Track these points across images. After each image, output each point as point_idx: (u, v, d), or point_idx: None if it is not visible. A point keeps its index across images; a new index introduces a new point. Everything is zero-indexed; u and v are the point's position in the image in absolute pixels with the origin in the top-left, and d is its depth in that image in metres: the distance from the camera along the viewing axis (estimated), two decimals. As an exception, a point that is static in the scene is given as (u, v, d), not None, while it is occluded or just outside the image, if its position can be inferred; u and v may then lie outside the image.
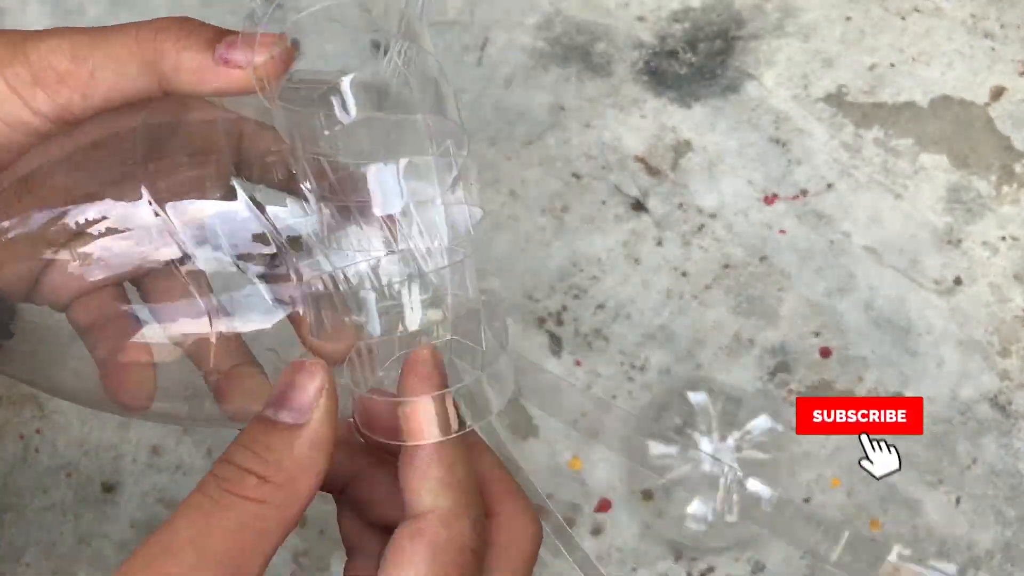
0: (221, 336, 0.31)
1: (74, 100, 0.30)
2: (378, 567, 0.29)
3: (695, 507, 0.60)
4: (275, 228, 0.29)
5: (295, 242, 0.30)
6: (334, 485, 0.32)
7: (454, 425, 0.28)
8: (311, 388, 0.27)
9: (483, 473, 0.30)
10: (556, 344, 0.66)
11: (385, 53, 0.31)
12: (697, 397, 0.63)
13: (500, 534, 0.29)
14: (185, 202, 0.29)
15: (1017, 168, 0.68)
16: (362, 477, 0.33)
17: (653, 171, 0.68)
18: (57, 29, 0.31)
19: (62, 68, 0.30)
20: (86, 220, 0.30)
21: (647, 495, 0.62)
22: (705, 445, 0.61)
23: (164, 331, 0.31)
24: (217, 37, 0.31)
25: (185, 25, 0.31)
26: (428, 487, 0.28)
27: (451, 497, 0.28)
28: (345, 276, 0.29)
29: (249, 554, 0.27)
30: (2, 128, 0.30)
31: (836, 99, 0.69)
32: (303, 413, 0.27)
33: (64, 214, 0.30)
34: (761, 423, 0.64)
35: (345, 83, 0.29)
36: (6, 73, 0.30)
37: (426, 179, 0.29)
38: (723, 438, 0.63)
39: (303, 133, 0.30)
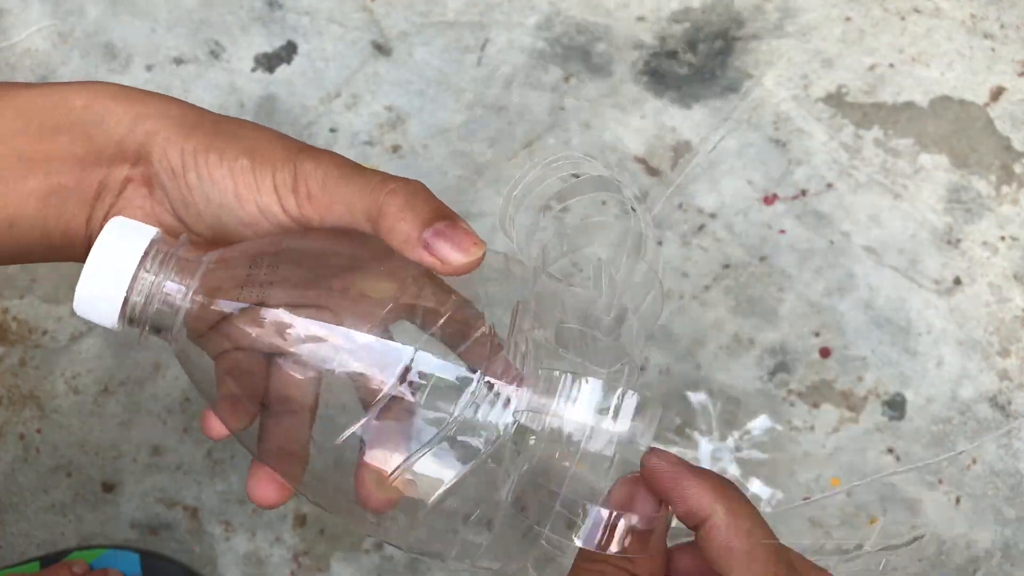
0: None
1: (313, 218, 0.36)
2: None
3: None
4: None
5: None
6: None
7: None
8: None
9: None
10: (556, 344, 0.66)
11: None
12: (697, 397, 0.63)
13: None
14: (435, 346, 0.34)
15: (1017, 168, 0.68)
16: None
17: (653, 171, 0.68)
18: (323, 153, 0.36)
19: (314, 190, 0.36)
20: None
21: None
22: (705, 445, 0.61)
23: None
24: (432, 218, 0.35)
25: (412, 195, 0.35)
26: (734, 556, 0.32)
27: (757, 567, 0.31)
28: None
29: None
30: (256, 214, 0.36)
31: (836, 99, 0.69)
32: (650, 523, 0.33)
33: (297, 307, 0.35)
34: (761, 423, 0.64)
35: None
36: (276, 175, 0.36)
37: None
38: (723, 438, 0.63)
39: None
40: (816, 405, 0.64)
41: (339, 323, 0.34)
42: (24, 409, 0.66)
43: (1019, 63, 0.70)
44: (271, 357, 0.35)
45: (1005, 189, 0.67)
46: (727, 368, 0.65)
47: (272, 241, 0.36)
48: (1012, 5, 0.70)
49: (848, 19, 0.71)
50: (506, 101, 0.70)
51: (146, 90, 0.39)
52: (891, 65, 0.70)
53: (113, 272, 0.33)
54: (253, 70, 0.70)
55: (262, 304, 0.34)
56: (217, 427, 0.37)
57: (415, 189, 0.35)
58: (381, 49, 0.71)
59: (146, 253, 0.34)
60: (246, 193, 0.36)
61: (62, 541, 0.64)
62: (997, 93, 0.69)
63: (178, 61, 0.71)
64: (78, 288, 0.34)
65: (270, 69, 0.70)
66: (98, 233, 0.36)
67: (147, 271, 0.34)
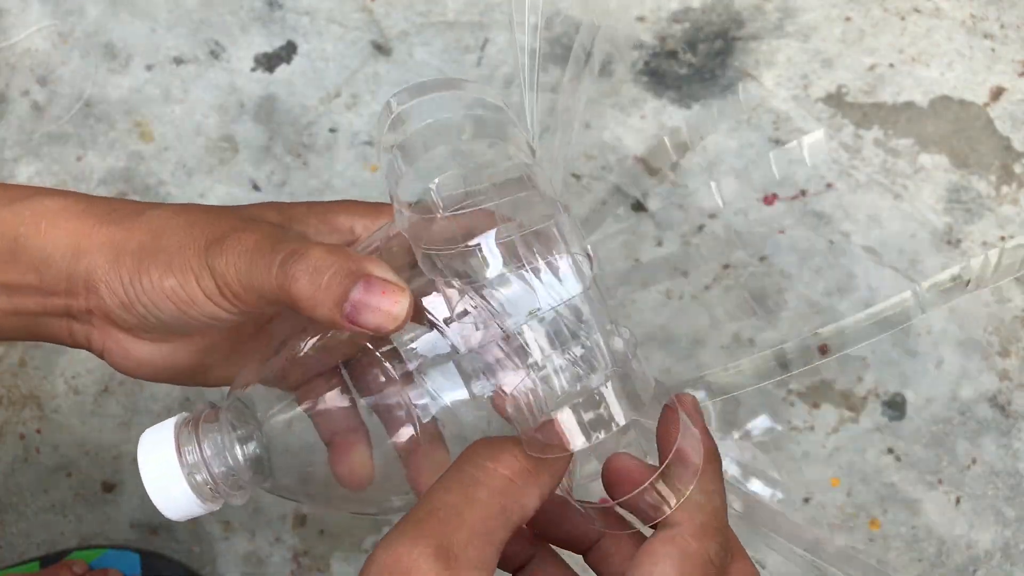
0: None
1: (251, 312, 0.37)
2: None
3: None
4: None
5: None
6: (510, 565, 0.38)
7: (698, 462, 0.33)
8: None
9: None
10: (556, 344, 0.66)
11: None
12: (697, 397, 0.63)
13: None
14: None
15: (1016, 168, 0.68)
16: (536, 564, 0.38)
17: (653, 171, 0.69)
18: (231, 237, 0.36)
19: (235, 289, 0.36)
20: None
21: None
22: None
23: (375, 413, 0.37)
24: (343, 292, 0.33)
25: (314, 273, 0.34)
26: (685, 504, 0.32)
27: (704, 518, 0.31)
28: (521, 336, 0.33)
29: (498, 519, 0.31)
30: (214, 322, 0.37)
31: (836, 99, 0.69)
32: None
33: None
34: (761, 423, 0.64)
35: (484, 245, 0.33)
36: (201, 284, 0.36)
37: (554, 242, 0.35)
38: (723, 438, 0.63)
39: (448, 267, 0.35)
40: (816, 405, 0.64)
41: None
42: (24, 409, 0.66)
43: (1019, 63, 0.70)
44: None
45: (1005, 189, 0.67)
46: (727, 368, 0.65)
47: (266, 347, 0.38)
48: (1012, 5, 0.70)
49: (848, 19, 0.71)
50: (506, 101, 0.70)
51: (82, 197, 0.40)
52: (891, 65, 0.70)
53: (166, 478, 0.36)
54: (253, 70, 0.70)
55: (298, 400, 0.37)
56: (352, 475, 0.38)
57: (318, 263, 0.34)
58: (381, 49, 0.71)
59: (178, 442, 0.36)
60: (187, 307, 0.36)
61: (62, 541, 0.64)
62: (997, 93, 0.69)
63: (178, 61, 0.71)
64: (161, 510, 0.36)
65: (270, 69, 0.70)
66: (90, 347, 0.39)
67: (189, 455, 0.36)
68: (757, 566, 0.34)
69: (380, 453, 0.37)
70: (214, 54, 0.71)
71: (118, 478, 0.65)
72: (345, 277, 0.33)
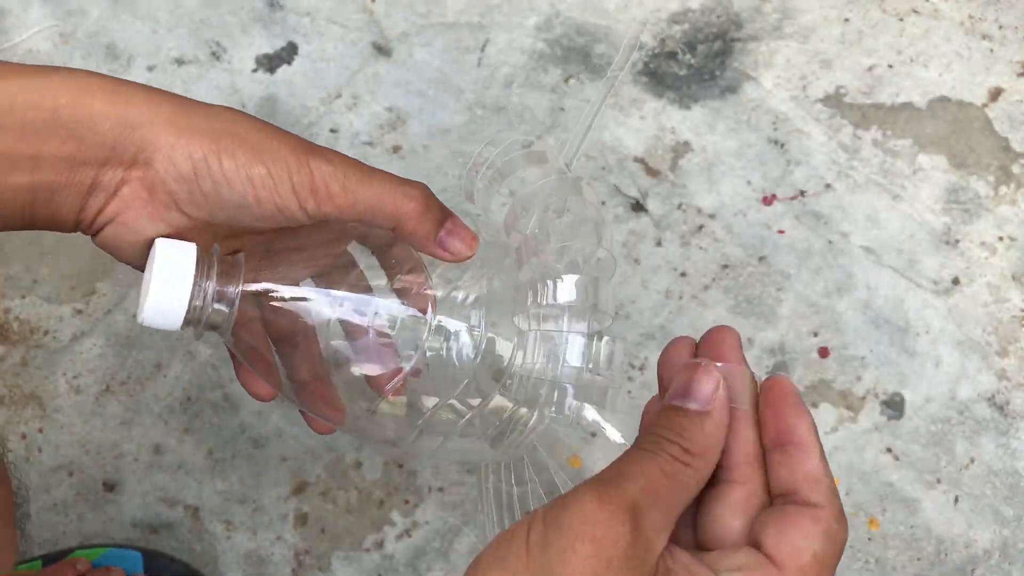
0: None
1: (332, 215, 0.40)
2: (761, 534, 0.35)
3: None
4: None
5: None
6: None
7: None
8: (710, 383, 0.36)
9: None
10: (556, 344, 0.66)
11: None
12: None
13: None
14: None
15: (1015, 168, 0.68)
16: None
17: (652, 172, 0.69)
18: (332, 154, 0.40)
19: (335, 191, 0.40)
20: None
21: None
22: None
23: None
24: (443, 220, 0.42)
25: (425, 201, 0.41)
26: (824, 488, 0.35)
27: (839, 504, 0.35)
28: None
29: (676, 497, 0.34)
30: (274, 212, 0.40)
31: (834, 100, 0.69)
32: (707, 402, 0.35)
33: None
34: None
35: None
36: (294, 179, 0.39)
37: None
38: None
39: None
40: (815, 405, 0.65)
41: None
42: (26, 409, 0.66)
43: (1017, 64, 0.70)
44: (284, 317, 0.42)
45: (1003, 189, 0.68)
46: (726, 368, 0.65)
47: (291, 235, 0.42)
48: (1010, 6, 0.71)
49: (847, 20, 0.71)
50: (506, 102, 0.70)
51: (129, 82, 0.40)
52: (889, 66, 0.70)
53: (175, 287, 0.39)
54: (254, 71, 0.71)
55: (294, 284, 0.41)
56: (260, 388, 0.44)
57: (426, 194, 0.41)
58: (381, 50, 0.71)
59: (197, 267, 0.39)
60: (265, 196, 0.39)
61: (64, 540, 0.64)
62: (995, 94, 0.69)
63: (179, 62, 0.71)
64: (146, 303, 0.39)
65: (271, 70, 0.71)
66: (91, 224, 0.40)
67: (201, 282, 0.39)
68: None
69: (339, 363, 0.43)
70: (215, 55, 0.71)
71: (119, 477, 0.65)
72: (444, 211, 0.42)
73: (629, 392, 0.65)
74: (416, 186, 0.41)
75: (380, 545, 0.64)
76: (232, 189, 0.39)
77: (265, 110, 0.70)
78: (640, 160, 0.69)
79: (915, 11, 0.71)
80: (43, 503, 0.65)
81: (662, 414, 0.35)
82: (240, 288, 0.40)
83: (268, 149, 0.39)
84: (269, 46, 0.71)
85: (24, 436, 0.66)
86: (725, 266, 0.67)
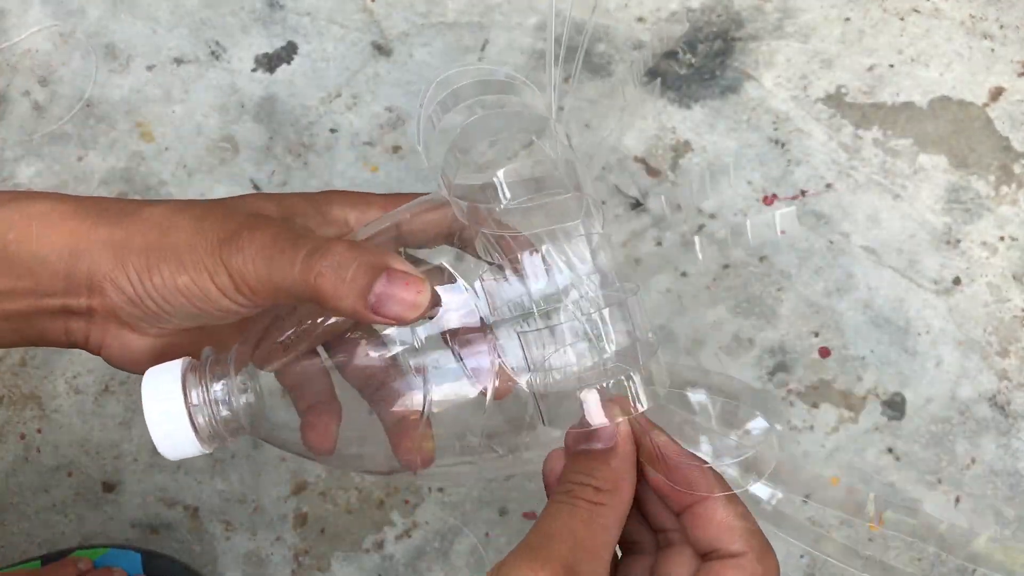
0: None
1: (266, 305, 0.38)
2: (654, 566, 0.36)
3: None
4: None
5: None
6: None
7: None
8: (610, 424, 0.36)
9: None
10: (556, 344, 0.66)
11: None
12: (696, 396, 0.63)
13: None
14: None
15: (1016, 168, 0.68)
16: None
17: (653, 171, 0.69)
18: (244, 235, 0.37)
19: (252, 284, 0.37)
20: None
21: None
22: (705, 444, 0.61)
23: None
24: (367, 283, 0.35)
25: (340, 268, 0.36)
26: (739, 533, 0.35)
27: (758, 542, 0.35)
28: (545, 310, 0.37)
29: (602, 541, 0.34)
30: (220, 311, 0.38)
31: (835, 100, 0.69)
32: (611, 438, 0.35)
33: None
34: (760, 423, 0.64)
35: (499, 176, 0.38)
36: (216, 281, 0.37)
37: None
38: (722, 438, 0.63)
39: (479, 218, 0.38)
40: (815, 405, 0.65)
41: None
42: (25, 409, 0.66)
43: (1018, 63, 0.70)
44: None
45: (1004, 189, 0.68)
46: (727, 368, 0.65)
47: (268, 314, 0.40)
48: (1011, 5, 0.71)
49: (847, 19, 0.71)
50: (506, 102, 0.70)
51: (70, 198, 0.40)
52: (890, 65, 0.70)
53: (172, 420, 0.37)
54: (254, 70, 0.71)
55: (297, 358, 0.39)
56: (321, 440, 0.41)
57: (338, 261, 0.35)
58: (381, 50, 0.71)
59: (184, 383, 0.37)
60: (202, 304, 0.38)
61: (63, 541, 0.64)
62: (996, 93, 0.69)
63: (179, 61, 0.71)
64: (157, 445, 0.38)
65: (271, 69, 0.71)
66: (86, 344, 0.40)
67: (194, 396, 0.38)
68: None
69: (357, 422, 0.40)
70: (215, 54, 0.71)
71: (119, 477, 0.65)
72: (369, 270, 0.35)
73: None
74: (326, 254, 0.35)
75: (380, 545, 0.64)
76: (169, 303, 0.38)
77: (264, 110, 0.70)
78: (640, 160, 0.69)
79: (916, 10, 0.71)
80: (43, 503, 0.65)
81: (570, 461, 0.36)
82: (237, 381, 0.38)
83: (191, 252, 0.37)
84: (269, 46, 0.71)
85: (23, 436, 0.65)
86: (726, 266, 0.67)
